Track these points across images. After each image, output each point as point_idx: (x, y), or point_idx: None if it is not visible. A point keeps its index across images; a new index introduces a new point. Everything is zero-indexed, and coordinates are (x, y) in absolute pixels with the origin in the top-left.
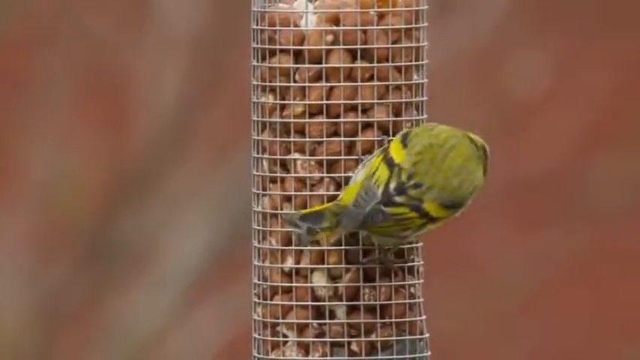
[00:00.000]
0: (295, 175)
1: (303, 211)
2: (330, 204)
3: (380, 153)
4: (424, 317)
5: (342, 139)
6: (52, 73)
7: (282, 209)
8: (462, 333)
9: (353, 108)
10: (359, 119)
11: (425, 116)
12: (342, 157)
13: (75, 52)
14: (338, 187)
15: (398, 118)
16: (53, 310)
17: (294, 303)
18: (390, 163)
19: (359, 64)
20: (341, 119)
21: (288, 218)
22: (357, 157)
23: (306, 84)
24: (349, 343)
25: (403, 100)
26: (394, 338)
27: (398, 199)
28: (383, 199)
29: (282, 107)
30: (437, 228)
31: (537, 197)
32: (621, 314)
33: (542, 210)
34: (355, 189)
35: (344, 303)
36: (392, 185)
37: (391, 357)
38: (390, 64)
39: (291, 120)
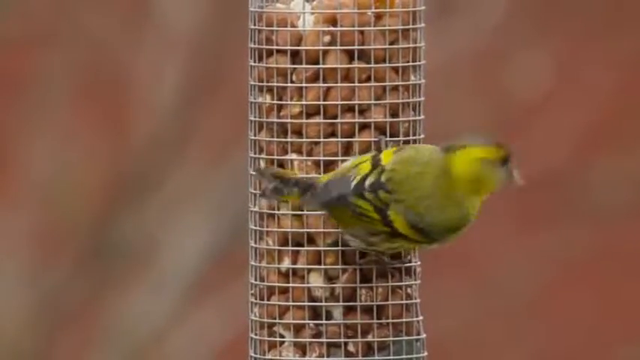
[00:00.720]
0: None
1: (278, 170)
2: (307, 176)
3: (372, 153)
4: (421, 318)
5: (340, 139)
6: (52, 73)
7: (279, 210)
8: (462, 333)
9: (350, 108)
10: (356, 120)
11: (422, 117)
12: (339, 157)
13: (75, 52)
14: None
15: (395, 119)
16: (53, 310)
17: (291, 303)
18: (375, 162)
19: (356, 64)
20: (338, 120)
21: (262, 170)
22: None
23: (304, 84)
24: (346, 343)
25: (400, 100)
26: (391, 339)
27: (367, 195)
28: (355, 190)
29: (280, 107)
30: (411, 247)
31: (538, 197)
32: (623, 314)
33: (544, 210)
34: (335, 173)
35: (341, 303)
36: (368, 181)
37: (388, 357)
38: (388, 64)
39: (289, 120)
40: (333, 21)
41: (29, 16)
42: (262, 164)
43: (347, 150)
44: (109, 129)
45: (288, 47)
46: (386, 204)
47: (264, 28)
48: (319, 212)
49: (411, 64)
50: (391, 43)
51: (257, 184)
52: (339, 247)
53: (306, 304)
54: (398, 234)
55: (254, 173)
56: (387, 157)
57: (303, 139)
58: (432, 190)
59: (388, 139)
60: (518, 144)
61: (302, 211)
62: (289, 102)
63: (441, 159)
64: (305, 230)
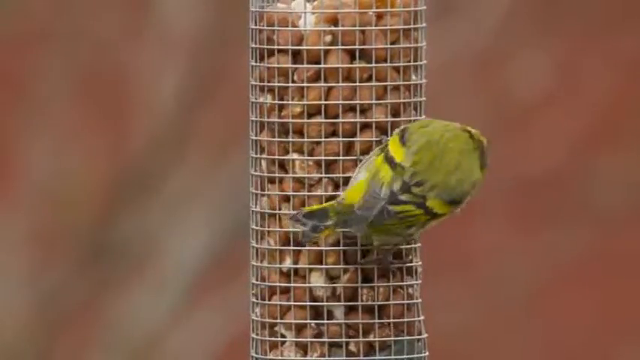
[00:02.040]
0: (294, 175)
1: (308, 209)
2: (334, 202)
3: (379, 152)
4: (422, 318)
5: (341, 139)
6: (52, 72)
7: (280, 209)
8: (463, 333)
9: (351, 108)
10: (357, 119)
11: (423, 117)
12: (341, 157)
13: (75, 52)
14: (336, 187)
15: (396, 119)
16: (53, 310)
17: (292, 303)
18: (391, 162)
19: (357, 64)
20: (339, 119)
21: (293, 216)
22: (355, 158)
23: (305, 84)
24: (347, 343)
25: (402, 100)
26: (392, 338)
27: (403, 197)
28: (390, 199)
29: (281, 107)
30: (438, 223)
31: (538, 197)
32: (622, 314)
33: (543, 210)
34: (360, 189)
35: (342, 303)
36: (396, 185)
37: (389, 357)
38: (389, 64)
39: (290, 120)
40: (334, 21)
41: (29, 16)
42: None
43: (348, 150)
44: (109, 129)
45: (290, 47)
46: (423, 196)
47: (265, 27)
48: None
49: (412, 63)
50: (392, 43)
51: (258, 184)
52: (341, 247)
53: (307, 303)
54: (435, 215)
55: (289, 221)
56: (397, 152)
57: (305, 139)
58: (458, 163)
59: (390, 138)
60: (518, 143)
61: (341, 242)
62: (290, 102)
63: (455, 129)
64: (326, 237)
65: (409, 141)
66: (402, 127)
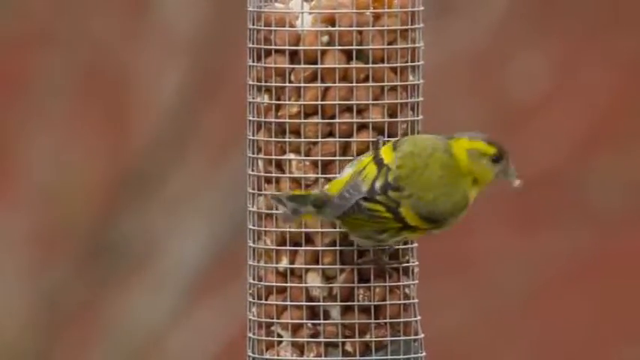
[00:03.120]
0: (290, 175)
1: (292, 192)
2: (317, 191)
3: (371, 154)
4: (419, 318)
5: (337, 139)
6: (52, 73)
7: (277, 210)
8: (460, 333)
9: (348, 109)
10: (354, 120)
11: (420, 117)
12: (337, 157)
13: (75, 52)
14: None
15: (393, 119)
16: (53, 310)
17: (289, 303)
18: (379, 162)
19: (354, 64)
20: (336, 120)
21: (277, 197)
22: (352, 158)
23: (302, 84)
24: (344, 343)
25: (398, 100)
26: (388, 339)
27: (378, 197)
28: (367, 195)
29: (278, 107)
30: (415, 237)
31: (537, 198)
32: (621, 315)
33: (542, 211)
34: (342, 182)
35: (338, 303)
36: (378, 183)
37: (385, 357)
38: (386, 64)
39: (287, 120)
40: (331, 21)
41: (29, 16)
42: (280, 210)
43: (345, 150)
44: (109, 129)
45: (287, 47)
46: (397, 202)
47: (263, 27)
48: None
49: (409, 64)
50: (389, 44)
51: (255, 184)
52: (337, 247)
53: (303, 303)
54: (408, 227)
55: (266, 201)
56: (387, 155)
57: (302, 139)
58: (438, 180)
59: (386, 139)
60: (516, 144)
61: (337, 242)
62: (287, 102)
63: (444, 147)
64: (303, 230)
65: (399, 147)
66: (397, 138)
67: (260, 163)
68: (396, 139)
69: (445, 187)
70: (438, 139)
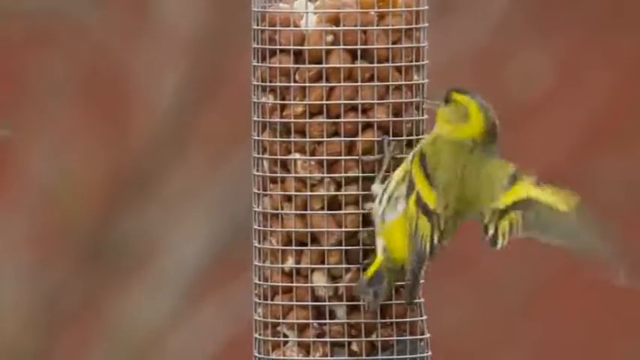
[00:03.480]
0: (295, 175)
1: (366, 277)
2: (382, 257)
3: (405, 181)
4: (425, 317)
5: (343, 139)
6: (52, 73)
7: (282, 209)
8: (465, 333)
9: (353, 108)
10: (359, 119)
11: (425, 117)
12: (343, 157)
13: (75, 52)
14: (338, 187)
15: (398, 119)
16: (53, 310)
17: (295, 303)
18: (426, 211)
19: (359, 64)
20: (341, 119)
21: (359, 289)
22: (357, 157)
23: (307, 84)
24: (349, 343)
25: (403, 100)
26: (395, 338)
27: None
28: (431, 257)
29: (283, 107)
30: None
31: None
32: (621, 314)
33: None
34: (401, 242)
35: (344, 303)
36: (435, 237)
37: (391, 357)
38: (390, 64)
39: (292, 120)
40: (335, 20)
41: (29, 16)
42: (286, 210)
43: (350, 149)
44: (109, 129)
45: (291, 47)
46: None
47: (267, 28)
48: (323, 212)
49: (414, 63)
50: (394, 43)
51: (260, 184)
52: (343, 247)
53: (309, 303)
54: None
55: (359, 294)
56: (426, 191)
57: (306, 139)
58: (477, 188)
59: (391, 138)
60: (517, 143)
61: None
62: (292, 102)
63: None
64: (309, 230)
65: (433, 175)
66: (418, 149)
67: (265, 163)
68: (418, 155)
69: (485, 190)
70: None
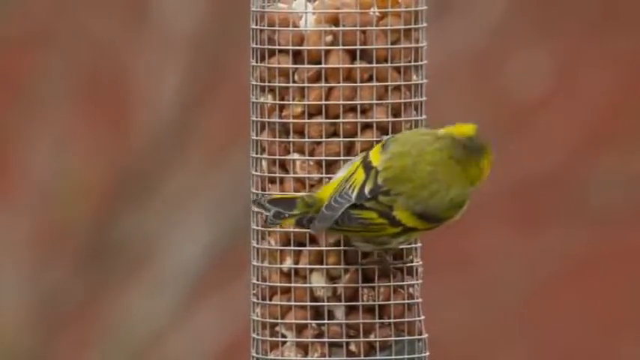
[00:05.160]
0: (294, 175)
1: (275, 195)
2: (304, 193)
3: (361, 157)
4: (423, 318)
5: (342, 139)
6: (52, 73)
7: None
8: (463, 333)
9: (352, 108)
10: (358, 120)
11: (424, 117)
12: (342, 157)
13: (75, 52)
14: None
15: (397, 119)
16: (53, 310)
17: (293, 303)
18: (367, 166)
19: (358, 64)
20: (340, 120)
21: (257, 199)
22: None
23: (306, 84)
24: (348, 343)
25: (402, 100)
26: (393, 338)
27: (367, 204)
28: (356, 201)
29: (282, 107)
30: (418, 235)
31: (537, 197)
32: (622, 314)
33: (542, 210)
34: (331, 189)
35: (343, 303)
36: (367, 188)
37: (390, 357)
38: (390, 64)
39: (291, 120)
40: (335, 21)
41: (29, 16)
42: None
43: (349, 150)
44: (109, 129)
45: (290, 47)
46: (389, 205)
47: (266, 28)
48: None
49: (412, 63)
50: (393, 43)
51: (259, 184)
52: (341, 247)
53: (308, 304)
54: (408, 229)
55: (252, 203)
56: (376, 158)
57: (305, 139)
58: (432, 175)
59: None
60: (516, 144)
61: (341, 242)
62: (291, 102)
63: (435, 138)
64: (307, 230)
65: (388, 147)
66: (390, 136)
67: (264, 163)
68: (389, 136)
69: (438, 183)
70: (427, 134)
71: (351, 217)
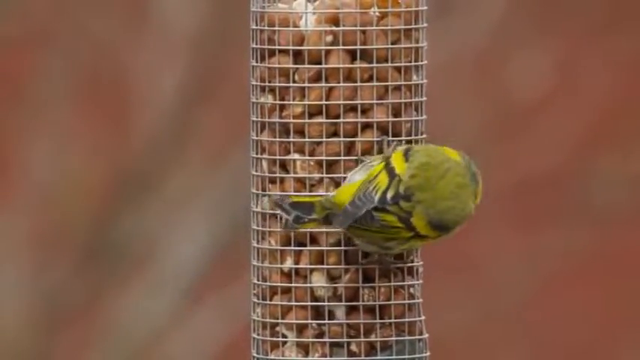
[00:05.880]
0: (295, 175)
1: (294, 199)
2: (322, 197)
3: (382, 160)
4: (423, 318)
5: (342, 139)
6: (52, 73)
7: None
8: (464, 333)
9: (352, 108)
10: (358, 120)
11: (424, 117)
12: (342, 157)
13: (75, 52)
14: (337, 187)
15: (397, 119)
16: (53, 310)
17: (294, 303)
18: (391, 172)
19: (358, 64)
20: (340, 120)
21: (278, 200)
22: (356, 158)
23: (306, 84)
24: (348, 343)
25: (402, 100)
26: (393, 339)
27: (390, 208)
28: (378, 204)
29: (282, 107)
30: (420, 245)
31: (538, 197)
32: (623, 314)
33: (543, 210)
34: (352, 189)
35: (343, 303)
36: (389, 194)
37: (390, 357)
38: (390, 64)
39: (291, 120)
40: (335, 21)
41: (29, 16)
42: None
43: (349, 150)
44: (109, 129)
45: (290, 47)
46: (408, 212)
47: (266, 28)
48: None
49: (413, 63)
50: (393, 43)
51: (259, 184)
52: (342, 247)
53: (308, 304)
54: (418, 235)
55: (269, 204)
56: (399, 164)
57: (306, 139)
58: (451, 194)
59: (390, 138)
60: (517, 144)
61: (342, 242)
62: (291, 102)
63: (457, 163)
64: (307, 230)
65: (412, 157)
66: (406, 145)
67: (264, 163)
68: (407, 146)
69: (459, 201)
70: (454, 156)
71: (373, 218)
